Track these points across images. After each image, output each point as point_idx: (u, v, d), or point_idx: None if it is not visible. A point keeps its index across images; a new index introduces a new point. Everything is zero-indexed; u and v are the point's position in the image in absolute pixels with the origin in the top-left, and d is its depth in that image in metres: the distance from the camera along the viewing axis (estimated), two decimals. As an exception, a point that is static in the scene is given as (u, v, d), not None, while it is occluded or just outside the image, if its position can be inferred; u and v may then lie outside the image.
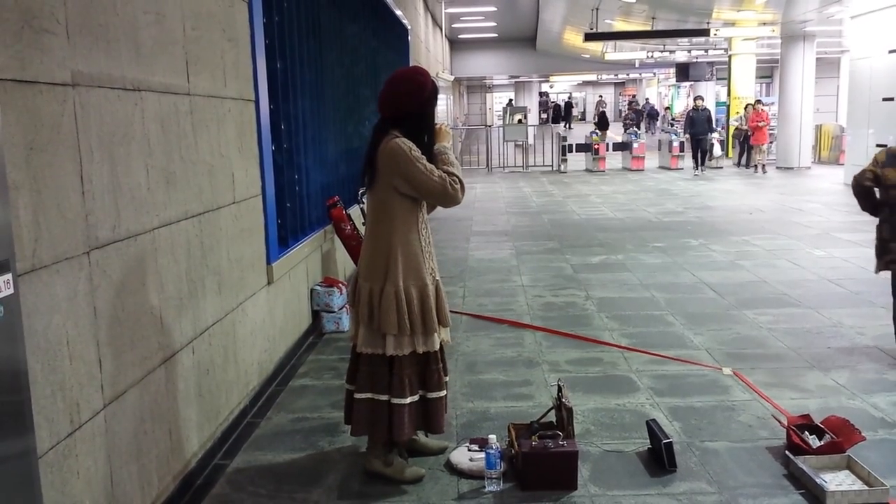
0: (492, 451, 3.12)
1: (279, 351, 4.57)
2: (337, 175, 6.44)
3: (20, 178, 2.07)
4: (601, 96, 46.41)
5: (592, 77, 45.16)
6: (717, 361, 4.61)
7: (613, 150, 18.68)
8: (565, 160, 18.06)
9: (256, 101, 4.20)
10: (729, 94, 19.94)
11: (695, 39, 20.53)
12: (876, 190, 4.68)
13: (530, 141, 21.20)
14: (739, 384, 4.24)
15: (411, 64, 11.73)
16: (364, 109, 7.69)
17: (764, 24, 16.85)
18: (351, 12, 7.16)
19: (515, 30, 24.71)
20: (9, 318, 1.66)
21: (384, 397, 3.10)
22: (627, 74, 42.39)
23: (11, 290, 1.67)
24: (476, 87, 42.33)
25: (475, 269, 7.53)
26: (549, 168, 18.76)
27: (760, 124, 16.38)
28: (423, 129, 3.11)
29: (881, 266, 4.70)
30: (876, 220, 4.79)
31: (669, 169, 17.65)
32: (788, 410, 3.81)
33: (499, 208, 12.11)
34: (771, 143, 17.81)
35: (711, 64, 25.01)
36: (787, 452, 3.30)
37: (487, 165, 19.33)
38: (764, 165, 16.44)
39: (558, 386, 3.39)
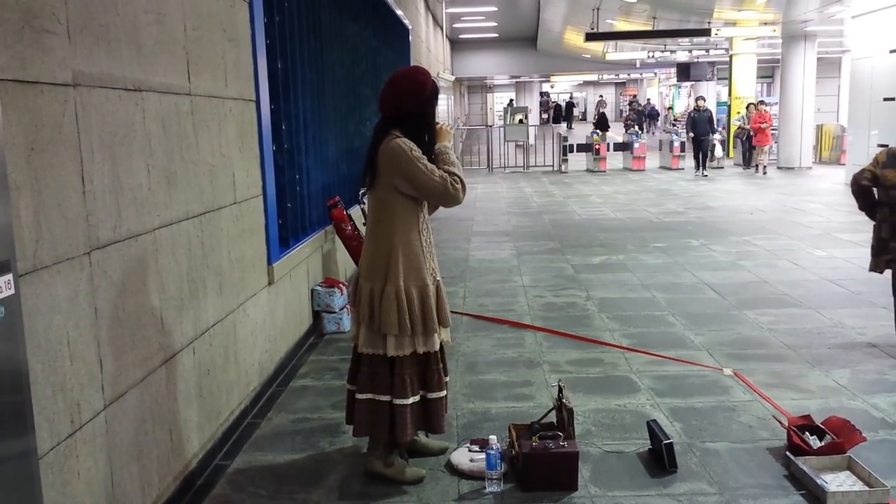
0: (492, 452, 3.12)
1: (280, 351, 4.57)
2: (338, 175, 6.44)
3: (21, 178, 2.07)
4: (601, 96, 46.41)
5: (593, 77, 45.15)
6: (717, 362, 4.61)
7: (614, 150, 18.67)
8: (566, 160, 18.06)
9: (257, 102, 4.20)
10: (730, 93, 19.94)
11: (696, 39, 20.53)
12: (875, 190, 4.69)
13: (531, 141, 21.21)
14: (740, 385, 4.24)
15: (412, 64, 11.73)
16: (365, 109, 7.69)
17: (765, 23, 16.85)
18: (352, 12, 7.16)
19: (516, 30, 24.72)
20: (9, 318, 1.66)
21: (385, 398, 3.10)
22: (628, 74, 42.39)
23: (12, 291, 1.68)
24: (477, 87, 42.34)
25: (476, 269, 7.53)
26: (550, 168, 18.76)
27: (763, 125, 16.32)
28: (424, 129, 3.11)
29: (879, 265, 4.72)
30: (872, 222, 4.80)
31: (670, 169, 17.65)
32: (789, 411, 3.80)
33: (499, 208, 12.11)
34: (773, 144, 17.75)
35: (712, 64, 24.99)
36: (787, 453, 3.30)
37: (488, 165, 19.33)
38: (765, 166, 16.40)
39: (559, 386, 3.39)
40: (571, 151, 18.18)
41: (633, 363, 4.63)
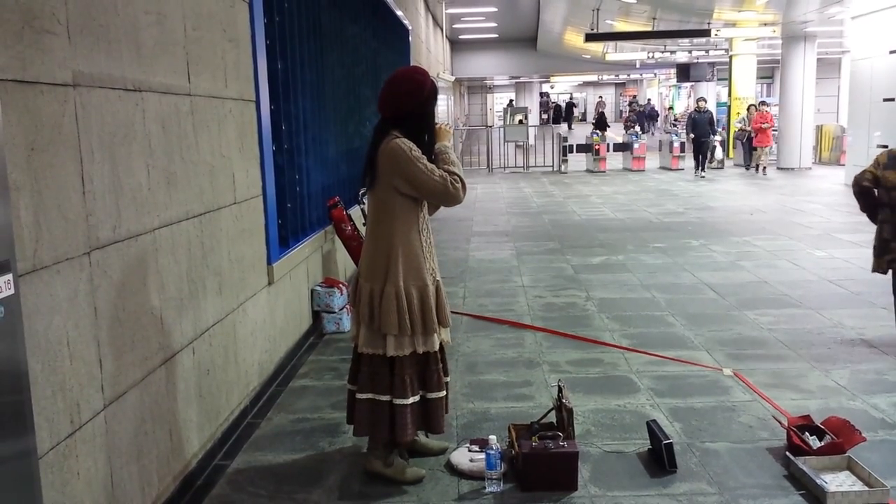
0: (492, 452, 3.12)
1: (280, 351, 4.57)
2: (338, 175, 6.44)
3: (21, 178, 2.07)
4: (601, 97, 46.41)
5: (593, 78, 45.14)
6: (717, 362, 4.61)
7: (614, 150, 18.67)
8: (566, 161, 18.06)
9: (257, 102, 4.20)
10: (730, 94, 19.93)
11: (696, 40, 20.52)
12: (876, 191, 4.70)
13: (531, 141, 21.21)
14: (740, 385, 4.24)
15: (412, 64, 11.73)
16: (365, 110, 7.69)
17: (765, 24, 16.84)
18: (352, 13, 7.16)
19: (516, 30, 24.72)
20: (9, 318, 1.66)
21: (385, 398, 3.10)
22: (628, 75, 42.37)
23: (12, 291, 1.68)
24: (477, 88, 42.33)
25: (476, 269, 7.53)
26: (550, 168, 18.77)
27: (764, 126, 16.29)
28: (424, 129, 3.11)
29: (881, 265, 4.74)
30: (872, 223, 4.82)
31: (670, 169, 17.65)
32: (789, 411, 3.80)
33: (499, 209, 12.11)
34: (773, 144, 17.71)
35: (712, 64, 24.99)
36: (787, 453, 3.30)
37: (488, 166, 19.33)
38: (765, 167, 16.38)
39: (559, 386, 3.39)
40: (571, 152, 18.18)
41: (633, 363, 4.63)
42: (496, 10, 19.33)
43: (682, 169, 17.42)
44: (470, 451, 3.37)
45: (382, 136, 3.06)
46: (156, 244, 2.89)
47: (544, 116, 42.75)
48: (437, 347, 3.12)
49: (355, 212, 6.39)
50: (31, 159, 2.12)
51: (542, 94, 44.01)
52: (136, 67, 2.75)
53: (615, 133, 27.48)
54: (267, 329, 4.32)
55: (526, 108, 28.38)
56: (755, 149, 16.65)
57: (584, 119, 48.95)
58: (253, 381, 4.05)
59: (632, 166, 17.78)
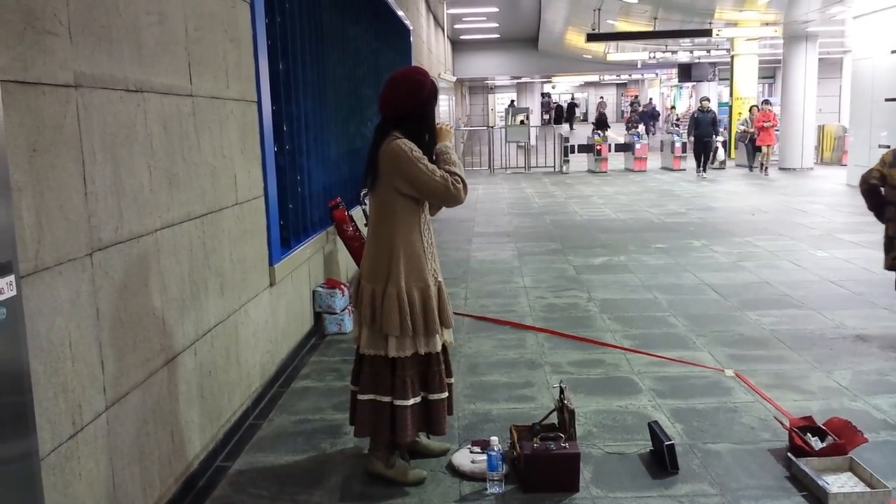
0: (494, 453, 3.11)
1: (281, 352, 4.57)
2: (339, 176, 6.44)
3: (23, 179, 2.07)
4: (602, 97, 46.41)
5: (595, 78, 45.14)
6: (719, 363, 4.61)
7: (616, 150, 18.67)
8: (567, 161, 18.05)
9: (259, 103, 4.20)
10: (731, 94, 19.92)
11: (697, 40, 20.53)
12: (883, 189, 4.75)
13: (532, 142, 21.20)
14: (741, 386, 4.23)
15: (413, 64, 11.73)
16: (366, 110, 7.69)
17: (766, 24, 16.84)
18: (353, 13, 7.16)
19: (517, 30, 24.72)
20: (11, 319, 1.66)
21: (387, 399, 3.10)
22: (629, 75, 42.36)
23: (14, 292, 1.68)
24: (478, 88, 42.37)
25: (477, 270, 7.53)
26: (552, 169, 18.76)
27: (766, 125, 16.25)
28: (424, 129, 3.11)
29: (888, 262, 4.82)
30: (878, 222, 4.85)
31: (672, 170, 17.63)
32: (790, 412, 3.80)
33: (501, 209, 12.11)
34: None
35: (714, 64, 25.00)
36: (789, 454, 3.30)
37: (490, 166, 19.33)
38: (766, 167, 16.34)
39: (560, 388, 3.38)
40: (573, 152, 18.17)
41: (635, 364, 4.63)
42: (497, 10, 19.34)
43: (684, 169, 17.40)
44: (471, 452, 3.37)
45: (383, 137, 3.06)
46: (157, 245, 2.89)
47: (546, 117, 42.75)
48: (438, 348, 3.12)
49: (357, 212, 6.39)
50: (33, 160, 2.12)
51: (543, 95, 44.04)
52: (137, 68, 2.75)
53: (616, 133, 27.46)
54: (269, 330, 4.32)
55: (527, 108, 28.39)
56: (759, 149, 16.56)
57: (585, 119, 48.94)
58: (255, 382, 4.05)
59: (633, 167, 17.77)
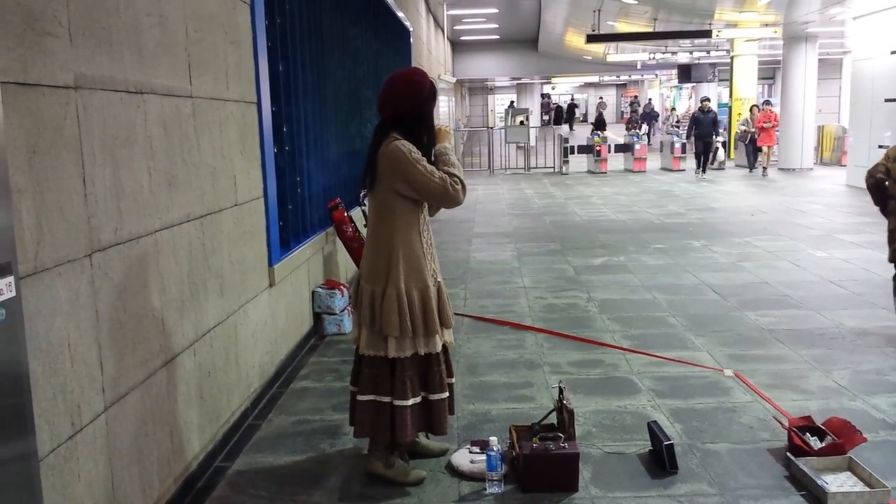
0: (493, 453, 3.12)
1: (280, 353, 4.58)
2: (339, 177, 6.45)
3: (23, 180, 2.08)
4: (601, 98, 46.41)
5: (594, 79, 45.13)
6: (718, 363, 4.61)
7: (615, 151, 18.67)
8: (567, 162, 18.06)
9: (259, 104, 4.21)
10: (731, 95, 19.92)
11: (697, 41, 20.54)
12: (888, 183, 4.84)
13: (532, 143, 21.20)
14: (741, 386, 4.24)
15: (413, 65, 11.74)
16: (366, 111, 7.70)
17: (766, 25, 16.84)
18: (353, 14, 7.17)
19: (517, 31, 24.73)
20: (11, 320, 1.67)
21: (387, 399, 3.11)
22: (629, 76, 42.35)
23: (13, 293, 1.68)
24: (478, 89, 42.36)
25: (477, 270, 7.53)
26: (551, 170, 18.77)
27: (766, 125, 16.21)
28: (423, 130, 3.11)
29: (891, 254, 4.91)
30: (877, 222, 4.89)
31: (671, 170, 17.64)
32: (790, 412, 3.80)
33: (500, 210, 12.12)
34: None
35: (713, 65, 24.98)
36: (788, 454, 3.30)
37: (489, 167, 19.34)
38: (765, 167, 16.31)
39: (559, 388, 3.39)
40: (572, 153, 18.17)
41: (634, 364, 4.63)
42: (497, 11, 19.35)
43: (684, 170, 17.40)
44: (471, 452, 3.37)
45: (382, 138, 3.07)
46: (157, 246, 2.89)
47: (545, 117, 42.75)
48: (438, 349, 3.12)
49: (356, 213, 6.39)
50: (33, 162, 2.13)
51: (543, 96, 44.04)
52: (137, 69, 2.76)
53: (616, 134, 27.46)
54: (268, 331, 4.32)
55: (527, 109, 28.40)
56: (759, 149, 16.51)
57: (585, 120, 48.95)
58: (254, 382, 4.06)
59: (633, 167, 17.77)
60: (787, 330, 5.24)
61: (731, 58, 19.75)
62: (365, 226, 3.42)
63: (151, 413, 2.84)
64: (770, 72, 30.02)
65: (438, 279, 3.15)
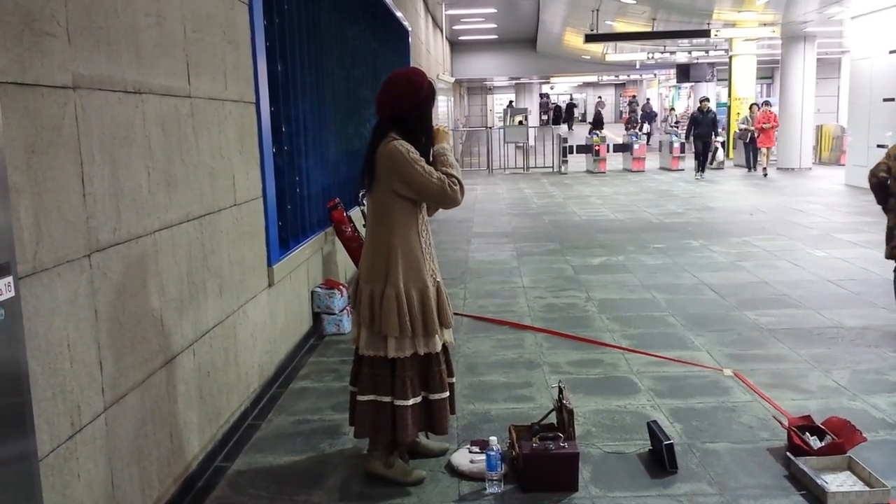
0: (492, 453, 3.12)
1: (280, 353, 4.57)
2: (338, 177, 6.44)
3: (21, 180, 2.07)
4: (600, 97, 46.43)
5: (593, 78, 45.15)
6: (717, 362, 4.61)
7: (614, 151, 18.67)
8: (566, 161, 18.06)
9: (257, 104, 4.21)
10: (730, 94, 19.93)
11: (695, 40, 20.52)
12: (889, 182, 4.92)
13: (531, 142, 21.20)
14: (740, 385, 4.24)
15: (412, 65, 11.74)
16: (365, 111, 7.70)
17: (764, 24, 16.84)
18: (351, 14, 7.17)
19: (516, 31, 24.73)
20: (10, 320, 1.66)
21: (387, 399, 3.11)
22: (628, 76, 42.37)
23: (12, 293, 1.68)
24: (477, 89, 42.34)
25: (476, 270, 7.53)
26: (550, 169, 18.77)
27: (766, 126, 16.19)
28: (421, 130, 3.11)
29: (888, 251, 4.94)
30: (877, 222, 4.91)
31: (670, 170, 17.64)
32: (789, 411, 3.80)
33: (499, 210, 12.12)
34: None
35: (712, 65, 24.99)
36: (787, 453, 3.30)
37: (488, 167, 19.34)
38: (765, 168, 16.28)
39: (559, 387, 3.39)
40: (571, 153, 18.17)
41: (634, 364, 4.63)
42: (496, 11, 19.34)
43: (683, 170, 17.41)
44: (470, 452, 3.37)
45: (380, 138, 3.07)
46: (156, 246, 2.89)
47: (544, 117, 42.76)
48: (438, 348, 3.12)
49: (355, 213, 6.39)
50: (32, 162, 2.12)
51: (541, 95, 44.03)
52: (135, 69, 2.75)
53: (615, 133, 27.46)
54: (267, 331, 4.32)
55: (526, 108, 28.41)
56: (759, 149, 16.45)
57: (584, 120, 48.97)
58: (253, 382, 4.05)
59: (632, 167, 17.77)
60: (787, 329, 5.24)
61: (730, 57, 19.76)
62: (364, 226, 3.42)
63: (151, 413, 2.84)
64: (769, 71, 30.04)
65: (437, 279, 3.15)
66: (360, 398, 3.16)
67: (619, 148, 18.76)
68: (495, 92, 44.96)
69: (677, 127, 25.60)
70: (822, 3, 13.61)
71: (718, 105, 22.31)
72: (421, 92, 3.07)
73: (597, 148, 17.65)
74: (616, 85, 51.39)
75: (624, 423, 3.78)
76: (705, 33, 17.18)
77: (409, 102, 3.06)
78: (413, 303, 3.03)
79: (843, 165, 15.50)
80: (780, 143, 17.66)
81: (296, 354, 4.89)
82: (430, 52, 17.70)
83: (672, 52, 22.31)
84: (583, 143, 18.64)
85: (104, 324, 2.50)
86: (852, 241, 8.35)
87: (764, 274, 6.94)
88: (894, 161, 4.88)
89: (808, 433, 3.38)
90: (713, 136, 16.34)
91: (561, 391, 3.35)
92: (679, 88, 36.65)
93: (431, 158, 3.13)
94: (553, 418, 3.42)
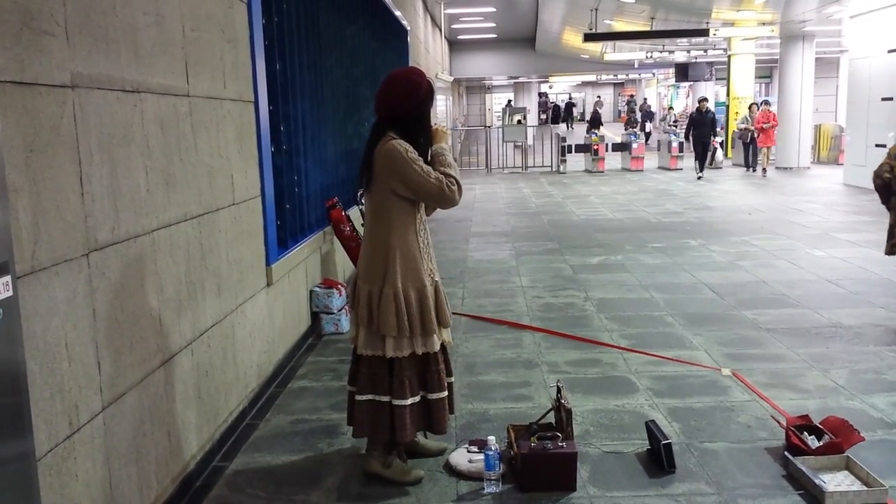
0: (491, 453, 3.12)
1: (278, 353, 4.57)
2: (336, 176, 6.44)
3: (20, 180, 2.07)
4: (598, 97, 46.44)
5: (592, 78, 45.18)
6: (716, 362, 4.62)
7: (612, 150, 18.67)
8: (564, 161, 18.06)
9: (256, 103, 4.20)
10: (728, 94, 19.94)
11: (694, 40, 20.53)
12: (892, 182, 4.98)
13: (529, 142, 21.21)
14: (738, 385, 4.24)
15: (410, 65, 11.73)
16: (363, 110, 7.69)
17: (763, 23, 16.85)
18: (350, 13, 7.16)
19: (514, 30, 24.73)
20: (8, 320, 1.66)
21: (386, 398, 3.10)
22: (627, 75, 42.42)
23: (10, 293, 1.67)
24: (475, 88, 42.34)
25: (474, 270, 7.53)
26: (549, 169, 18.77)
27: (766, 126, 16.17)
28: (420, 130, 3.11)
29: (888, 248, 5.01)
30: (876, 221, 4.92)
31: (669, 169, 17.64)
32: (787, 411, 3.81)
33: (498, 209, 12.12)
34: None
35: (711, 64, 25.01)
36: (786, 453, 3.30)
37: (487, 166, 19.34)
38: (764, 168, 16.26)
39: (557, 387, 3.39)
40: (570, 152, 18.17)
41: (632, 363, 4.64)
42: (495, 10, 19.34)
43: (681, 169, 17.41)
44: (469, 451, 3.37)
45: (379, 138, 3.06)
46: (154, 245, 2.89)
47: (543, 116, 42.77)
48: (436, 348, 3.12)
49: (354, 212, 6.39)
50: (30, 161, 2.12)
51: (540, 95, 44.03)
52: (134, 68, 2.75)
53: (613, 132, 27.47)
54: (265, 330, 4.32)
55: (524, 108, 28.40)
56: (759, 149, 16.42)
57: (582, 119, 49.01)
58: (251, 382, 4.05)
59: (630, 166, 17.78)
60: (785, 329, 5.25)
61: (729, 56, 19.77)
62: (362, 225, 3.41)
63: (149, 413, 2.83)
64: (767, 70, 30.08)
65: (436, 278, 3.15)
66: (358, 398, 3.16)
67: (617, 147, 18.76)
68: (494, 91, 44.98)
69: (676, 126, 25.60)
70: (821, 2, 13.62)
71: (717, 104, 22.31)
72: (420, 92, 3.07)
73: (595, 147, 17.64)
74: (615, 84, 51.42)
75: (622, 422, 3.78)
76: (704, 32, 17.19)
77: (407, 102, 3.06)
78: (411, 302, 3.03)
79: (842, 165, 15.51)
80: (778, 143, 17.64)
81: (294, 354, 4.88)
82: (429, 52, 17.70)
83: (671, 52, 22.33)
84: (581, 142, 18.64)
85: (102, 323, 2.50)
86: (851, 241, 8.35)
87: (762, 273, 6.94)
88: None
89: (806, 433, 3.39)
90: (712, 137, 16.30)
91: (559, 391, 3.36)
92: (678, 88, 36.68)
93: (430, 158, 3.13)
94: (551, 418, 3.42)
